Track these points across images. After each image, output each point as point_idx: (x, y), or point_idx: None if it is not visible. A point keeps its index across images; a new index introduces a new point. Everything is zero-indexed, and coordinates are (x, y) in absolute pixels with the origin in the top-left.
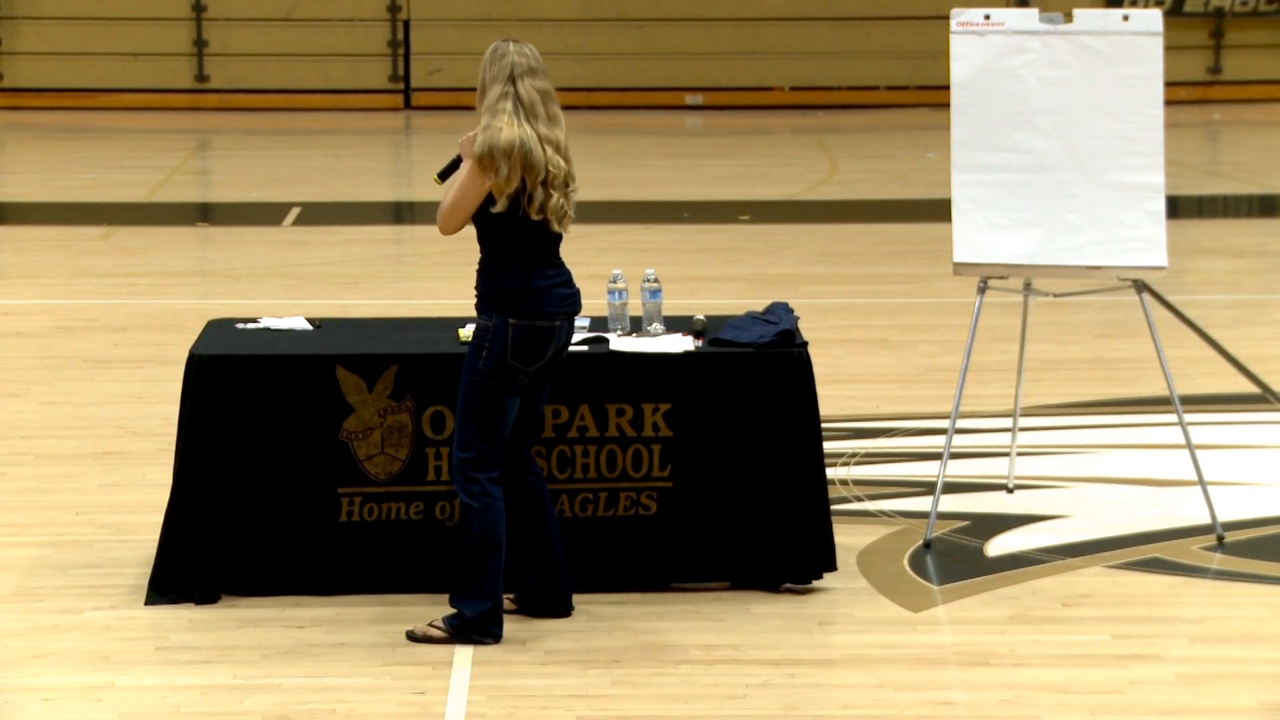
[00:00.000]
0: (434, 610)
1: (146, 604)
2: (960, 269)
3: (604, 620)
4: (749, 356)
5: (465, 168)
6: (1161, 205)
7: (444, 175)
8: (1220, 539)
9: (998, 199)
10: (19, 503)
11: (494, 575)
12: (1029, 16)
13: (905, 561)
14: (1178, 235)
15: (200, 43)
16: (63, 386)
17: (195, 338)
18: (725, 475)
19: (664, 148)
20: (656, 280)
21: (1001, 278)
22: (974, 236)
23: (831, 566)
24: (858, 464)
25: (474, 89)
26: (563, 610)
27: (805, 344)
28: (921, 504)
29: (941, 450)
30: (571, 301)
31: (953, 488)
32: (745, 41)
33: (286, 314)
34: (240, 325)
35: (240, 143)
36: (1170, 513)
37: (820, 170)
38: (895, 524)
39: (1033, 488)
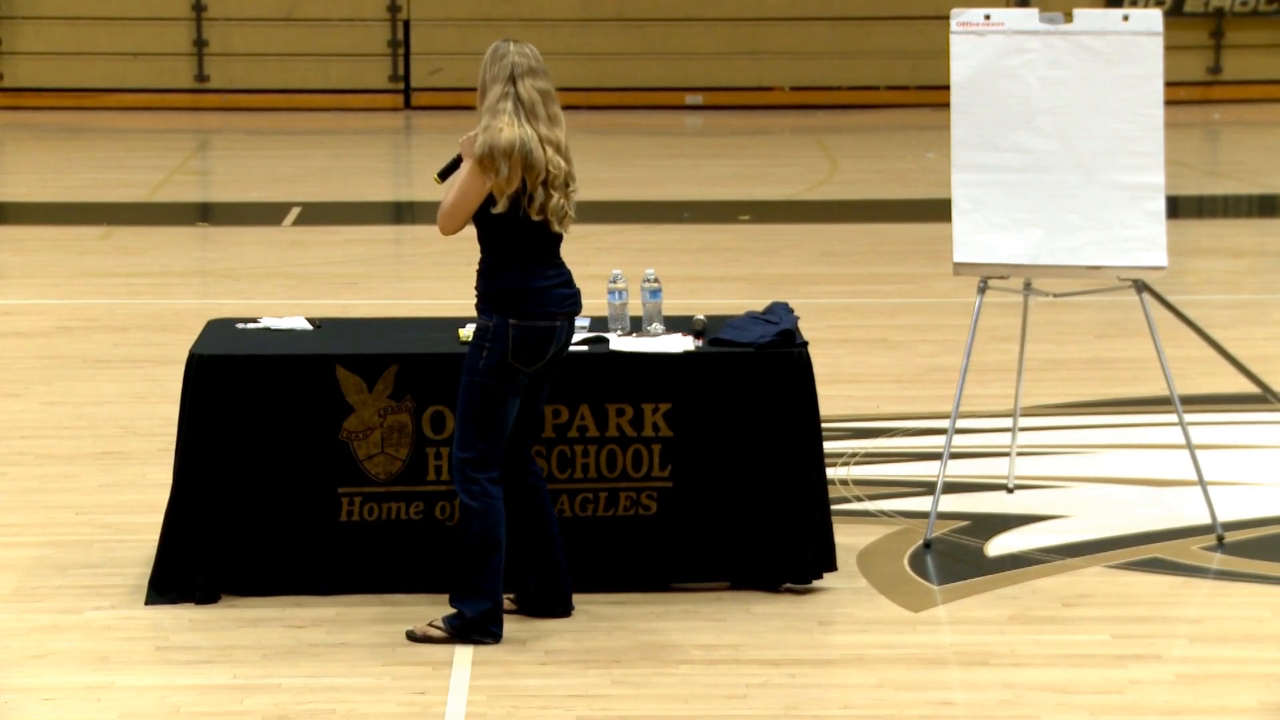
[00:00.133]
0: (434, 610)
1: (146, 604)
2: (960, 269)
3: (604, 620)
4: (749, 356)
5: (466, 168)
6: (1161, 205)
7: (444, 175)
8: (1220, 539)
9: (998, 199)
10: (19, 503)
11: (494, 575)
12: (1029, 16)
13: (905, 561)
14: (1178, 235)
15: (200, 43)
16: (63, 386)
17: (195, 338)
18: (725, 475)
19: (664, 148)
20: (656, 280)
21: (1001, 278)
22: (974, 236)
23: (831, 566)
24: (858, 464)
25: (474, 89)
26: (563, 610)
27: (805, 344)
28: (921, 504)
29: (941, 450)
30: (572, 302)
31: (953, 488)
32: (745, 41)
33: (286, 314)
34: (240, 325)
35: (240, 143)
36: (1170, 513)
37: (820, 170)
38: (895, 524)
39: (1033, 488)
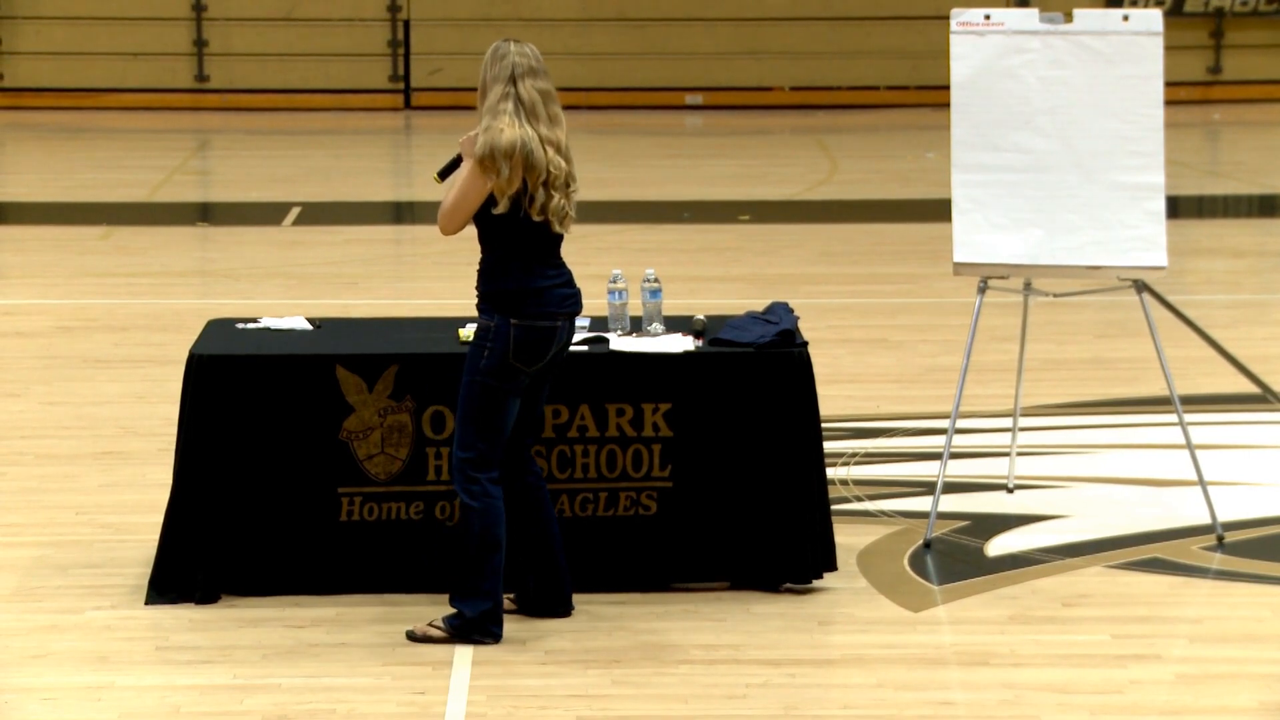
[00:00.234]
0: (434, 610)
1: (146, 604)
2: (960, 269)
3: (604, 620)
4: (749, 356)
5: (466, 168)
6: (1161, 205)
7: (444, 174)
8: (1220, 539)
9: (998, 199)
10: (19, 503)
11: (494, 575)
12: (1029, 16)
13: (905, 561)
14: (1178, 235)
15: (200, 43)
16: (63, 386)
17: (195, 338)
18: (725, 475)
19: (664, 148)
20: (656, 280)
21: (1002, 278)
22: (974, 236)
23: (831, 566)
24: (858, 464)
25: (474, 89)
26: (563, 610)
27: (805, 344)
28: (921, 504)
29: (941, 450)
30: (573, 302)
31: (953, 488)
32: (745, 41)
33: (286, 314)
34: (240, 325)
35: (240, 143)
36: (1170, 513)
37: (820, 170)
38: (895, 524)
39: (1033, 488)
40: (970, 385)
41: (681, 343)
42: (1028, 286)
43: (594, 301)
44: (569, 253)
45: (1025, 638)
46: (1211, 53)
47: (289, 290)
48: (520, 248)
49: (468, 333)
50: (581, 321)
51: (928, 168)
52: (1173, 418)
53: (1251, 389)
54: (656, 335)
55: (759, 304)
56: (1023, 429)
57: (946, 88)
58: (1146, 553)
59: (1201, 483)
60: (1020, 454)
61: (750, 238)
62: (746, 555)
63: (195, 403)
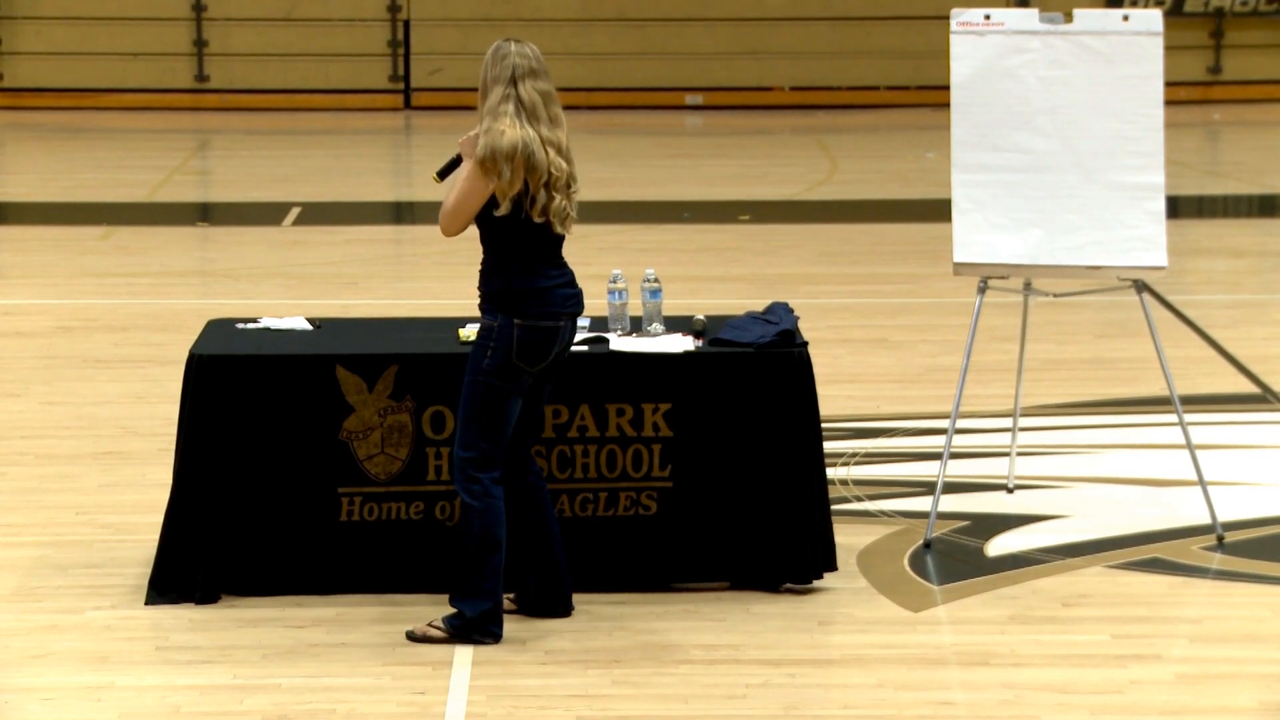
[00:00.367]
0: (434, 610)
1: (146, 604)
2: (960, 269)
3: (604, 620)
4: (749, 356)
5: (467, 169)
6: (1161, 205)
7: (443, 174)
8: (1220, 539)
9: (998, 199)
10: (19, 503)
11: (494, 575)
12: (1029, 16)
13: (905, 561)
14: (1178, 235)
15: (200, 43)
16: (63, 386)
17: (195, 338)
18: (725, 475)
19: (664, 148)
20: (656, 280)
21: (1002, 278)
22: (974, 236)
23: (832, 566)
24: (858, 464)
25: (474, 89)
26: (563, 610)
27: (805, 344)
28: (921, 504)
29: (941, 450)
30: (575, 302)
31: (953, 488)
32: (745, 41)
33: (286, 314)
34: (240, 325)
35: (240, 143)
36: (1170, 513)
37: (820, 170)
38: (895, 524)
39: (1033, 488)
40: (970, 385)
41: (681, 343)
42: (1028, 286)
43: (594, 301)
44: (569, 253)
45: (1025, 638)
46: (1211, 53)
47: (289, 290)
48: (522, 249)
49: (468, 333)
50: (581, 321)
51: (928, 168)
52: (1173, 418)
53: (1251, 389)
54: (656, 335)
55: (759, 304)
56: (1023, 429)
57: (946, 88)
58: (1146, 553)
59: (1201, 483)
60: (1020, 454)
61: (750, 238)
62: (746, 555)
63: (195, 403)
